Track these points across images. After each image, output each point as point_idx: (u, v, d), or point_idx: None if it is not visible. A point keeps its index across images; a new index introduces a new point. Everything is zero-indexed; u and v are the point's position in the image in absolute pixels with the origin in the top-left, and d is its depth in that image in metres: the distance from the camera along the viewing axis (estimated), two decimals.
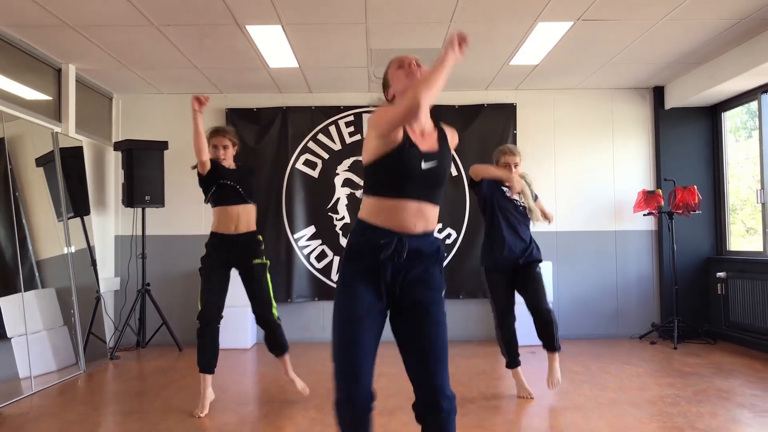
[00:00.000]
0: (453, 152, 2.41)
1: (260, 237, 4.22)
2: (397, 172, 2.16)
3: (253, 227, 4.16)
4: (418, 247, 2.17)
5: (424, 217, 2.20)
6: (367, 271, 2.16)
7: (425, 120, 2.27)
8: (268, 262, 4.21)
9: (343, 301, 2.16)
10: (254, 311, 4.19)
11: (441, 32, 5.06)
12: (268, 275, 4.18)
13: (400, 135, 2.17)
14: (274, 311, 4.17)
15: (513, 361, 4.22)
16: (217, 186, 4.03)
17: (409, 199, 2.16)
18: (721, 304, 6.35)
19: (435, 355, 2.13)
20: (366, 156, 2.21)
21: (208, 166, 3.97)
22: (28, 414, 4.01)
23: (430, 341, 2.15)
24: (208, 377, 4.00)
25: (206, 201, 4.15)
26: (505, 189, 4.22)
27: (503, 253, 4.13)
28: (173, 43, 5.22)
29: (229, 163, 4.16)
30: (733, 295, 6.17)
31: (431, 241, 2.23)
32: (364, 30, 4.99)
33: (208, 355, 3.98)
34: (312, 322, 6.75)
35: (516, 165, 4.18)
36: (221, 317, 4.05)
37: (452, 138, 2.38)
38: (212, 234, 4.11)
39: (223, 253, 4.06)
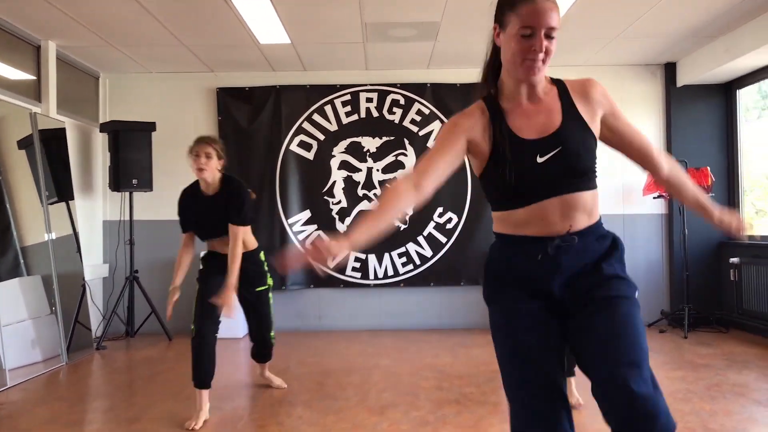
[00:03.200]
0: None
1: (262, 255, 3.89)
2: None
3: (251, 246, 3.79)
4: None
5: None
6: None
7: None
8: (271, 284, 3.95)
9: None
10: (250, 332, 3.99)
11: (439, 5, 4.76)
12: (271, 297, 3.95)
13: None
14: (272, 333, 4.00)
15: None
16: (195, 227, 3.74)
17: None
18: (734, 290, 6.08)
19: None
20: None
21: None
22: (1, 410, 3.80)
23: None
24: (204, 392, 3.53)
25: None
26: None
27: None
28: (157, 19, 4.94)
29: (211, 175, 3.57)
30: (747, 281, 5.88)
31: None
32: (357, 3, 4.70)
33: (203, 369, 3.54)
34: (307, 310, 6.52)
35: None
36: (218, 329, 3.61)
37: None
38: (208, 253, 3.79)
39: (222, 272, 3.57)
